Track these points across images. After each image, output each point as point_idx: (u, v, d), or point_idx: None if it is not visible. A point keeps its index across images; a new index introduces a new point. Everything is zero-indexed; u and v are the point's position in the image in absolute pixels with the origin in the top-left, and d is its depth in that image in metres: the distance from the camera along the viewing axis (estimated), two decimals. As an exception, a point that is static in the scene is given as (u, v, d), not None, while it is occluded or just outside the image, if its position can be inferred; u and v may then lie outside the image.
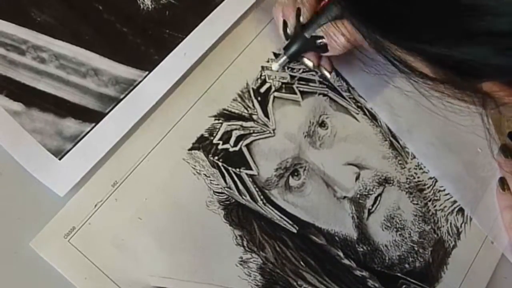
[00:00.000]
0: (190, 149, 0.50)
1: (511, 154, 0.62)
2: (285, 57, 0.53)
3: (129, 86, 0.49)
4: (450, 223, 0.58)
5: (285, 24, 0.51)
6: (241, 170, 0.51)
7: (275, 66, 0.54)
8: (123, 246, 0.46)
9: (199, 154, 0.50)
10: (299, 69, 0.56)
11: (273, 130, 0.53)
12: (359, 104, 0.57)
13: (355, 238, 0.53)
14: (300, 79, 0.56)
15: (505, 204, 0.60)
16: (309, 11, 0.50)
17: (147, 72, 0.50)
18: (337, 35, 0.48)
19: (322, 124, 0.55)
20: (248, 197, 0.50)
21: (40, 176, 0.45)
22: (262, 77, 0.54)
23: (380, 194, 0.55)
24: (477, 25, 0.25)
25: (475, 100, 0.30)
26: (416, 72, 0.31)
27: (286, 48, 0.53)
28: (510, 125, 0.64)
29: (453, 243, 0.57)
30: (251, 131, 0.52)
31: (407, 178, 0.57)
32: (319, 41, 0.50)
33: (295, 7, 0.50)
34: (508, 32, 0.24)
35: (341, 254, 0.52)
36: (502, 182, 0.61)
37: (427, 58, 0.29)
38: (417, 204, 0.57)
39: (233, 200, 0.50)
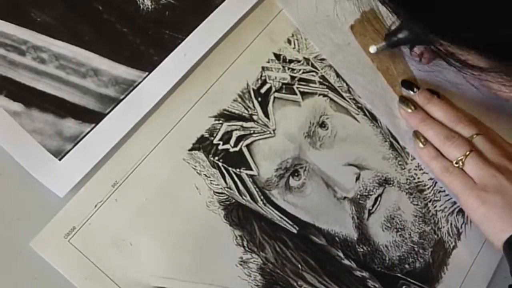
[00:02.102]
0: (190, 150, 0.50)
1: (413, 104, 0.57)
2: (384, 43, 0.56)
3: (129, 86, 0.49)
4: (451, 224, 0.58)
5: None
6: (241, 170, 0.51)
7: (372, 48, 0.57)
8: (123, 246, 0.46)
9: (200, 154, 0.50)
10: (299, 70, 0.56)
11: (273, 130, 0.53)
12: (359, 105, 0.57)
13: (355, 238, 0.53)
14: (301, 79, 0.56)
15: (430, 157, 0.56)
16: None
17: (147, 73, 0.50)
18: None
19: (322, 125, 0.55)
20: (248, 198, 0.50)
21: (40, 176, 0.45)
22: (263, 78, 0.54)
23: (380, 195, 0.55)
24: None
25: None
26: (470, 65, 0.33)
27: (388, 36, 0.56)
28: (400, 73, 0.60)
29: (454, 243, 0.57)
30: (252, 132, 0.52)
31: (407, 179, 0.57)
32: None
33: None
34: None
35: (341, 254, 0.52)
36: (418, 136, 0.57)
37: (478, 48, 0.31)
38: (417, 204, 0.57)
39: (233, 201, 0.50)
